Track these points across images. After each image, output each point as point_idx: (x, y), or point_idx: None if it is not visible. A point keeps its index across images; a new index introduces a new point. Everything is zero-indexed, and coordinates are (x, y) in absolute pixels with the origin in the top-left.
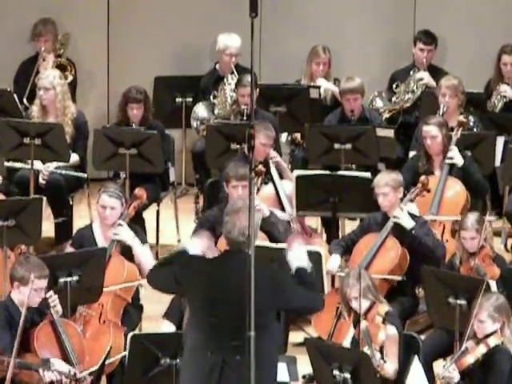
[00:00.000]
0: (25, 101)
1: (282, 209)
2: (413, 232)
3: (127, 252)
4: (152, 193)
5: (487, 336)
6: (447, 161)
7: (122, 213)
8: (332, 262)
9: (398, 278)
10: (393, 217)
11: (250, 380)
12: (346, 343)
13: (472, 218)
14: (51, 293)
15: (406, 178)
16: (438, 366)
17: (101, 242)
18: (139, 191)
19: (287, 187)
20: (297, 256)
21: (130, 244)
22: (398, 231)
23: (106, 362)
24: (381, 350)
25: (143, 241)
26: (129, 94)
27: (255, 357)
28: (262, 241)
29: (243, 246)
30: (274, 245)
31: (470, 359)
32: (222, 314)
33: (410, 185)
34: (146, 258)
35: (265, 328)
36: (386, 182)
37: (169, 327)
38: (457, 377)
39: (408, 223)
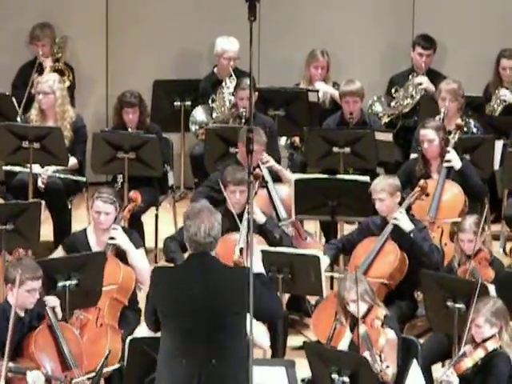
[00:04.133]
0: (20, 112)
1: (276, 213)
2: (411, 235)
3: (122, 255)
4: (150, 196)
5: (485, 340)
6: (445, 164)
7: (117, 216)
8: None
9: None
10: (392, 219)
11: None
12: (343, 346)
13: (470, 220)
14: (50, 297)
15: (401, 181)
16: (437, 369)
17: (95, 246)
18: (134, 194)
19: (282, 191)
20: (256, 262)
21: (125, 249)
22: (397, 234)
23: (104, 370)
24: (379, 355)
25: (138, 244)
26: (123, 98)
27: (229, 359)
28: (260, 244)
29: (210, 247)
30: (272, 248)
31: (468, 363)
32: (193, 319)
33: (405, 187)
34: (141, 263)
35: (234, 330)
36: (382, 188)
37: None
38: (455, 381)
39: (407, 226)
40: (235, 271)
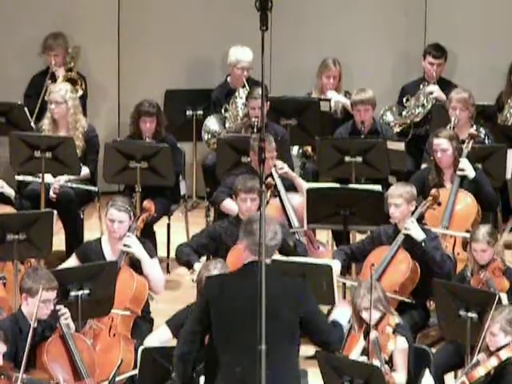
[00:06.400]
0: (32, 124)
1: (288, 222)
2: (422, 244)
3: (136, 264)
4: (163, 206)
5: (499, 349)
6: (459, 173)
7: (131, 226)
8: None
9: (405, 299)
10: (404, 228)
11: None
12: (356, 354)
13: (483, 230)
14: (61, 307)
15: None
16: (449, 379)
17: (109, 255)
18: (147, 203)
19: (295, 200)
20: (340, 315)
21: (140, 257)
22: (409, 244)
23: (117, 379)
24: (390, 361)
25: (152, 253)
26: (141, 107)
27: (283, 369)
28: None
29: (272, 251)
30: (284, 258)
31: (480, 371)
32: (248, 327)
33: (417, 196)
34: (155, 272)
35: (292, 341)
36: (399, 194)
37: (164, 332)
38: None
39: (418, 235)
40: (289, 283)
